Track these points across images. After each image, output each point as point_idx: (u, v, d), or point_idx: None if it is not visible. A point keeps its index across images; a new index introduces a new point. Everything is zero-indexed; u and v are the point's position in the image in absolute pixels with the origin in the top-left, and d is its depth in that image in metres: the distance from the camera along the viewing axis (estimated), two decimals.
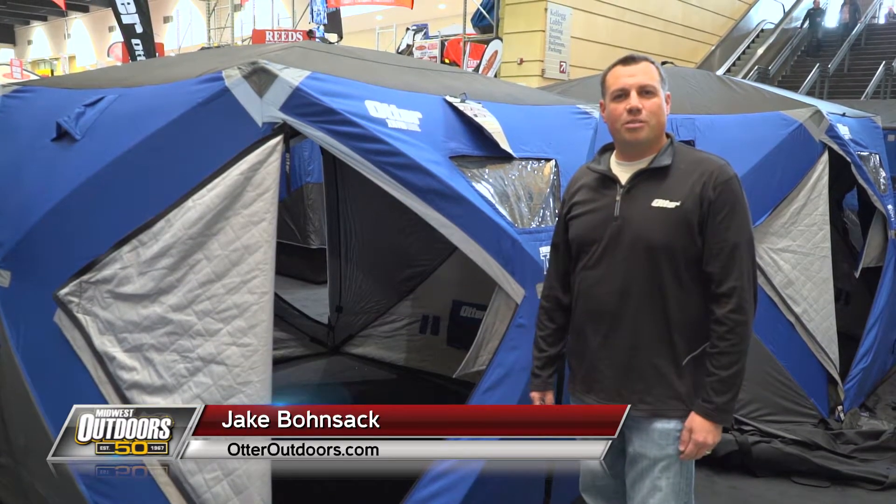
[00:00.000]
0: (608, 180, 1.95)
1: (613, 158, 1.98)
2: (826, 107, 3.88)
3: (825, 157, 3.62)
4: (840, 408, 3.64)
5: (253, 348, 1.99)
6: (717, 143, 3.66)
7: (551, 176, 2.68)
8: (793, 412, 3.57)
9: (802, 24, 15.38)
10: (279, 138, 2.01)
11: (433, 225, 2.21)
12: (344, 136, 2.05)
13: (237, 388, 1.98)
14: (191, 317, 2.04)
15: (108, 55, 19.12)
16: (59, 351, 2.23)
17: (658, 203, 1.85)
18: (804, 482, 3.24)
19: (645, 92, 1.85)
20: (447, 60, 11.94)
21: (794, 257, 3.58)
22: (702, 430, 1.83)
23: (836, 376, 3.65)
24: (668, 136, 1.93)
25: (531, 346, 2.34)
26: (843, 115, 4.03)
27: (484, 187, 2.38)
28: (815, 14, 15.11)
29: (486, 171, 2.44)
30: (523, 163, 2.60)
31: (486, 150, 2.46)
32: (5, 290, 2.47)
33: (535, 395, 2.13)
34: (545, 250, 2.45)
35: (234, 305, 2.00)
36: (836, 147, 3.65)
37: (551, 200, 2.64)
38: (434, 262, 4.60)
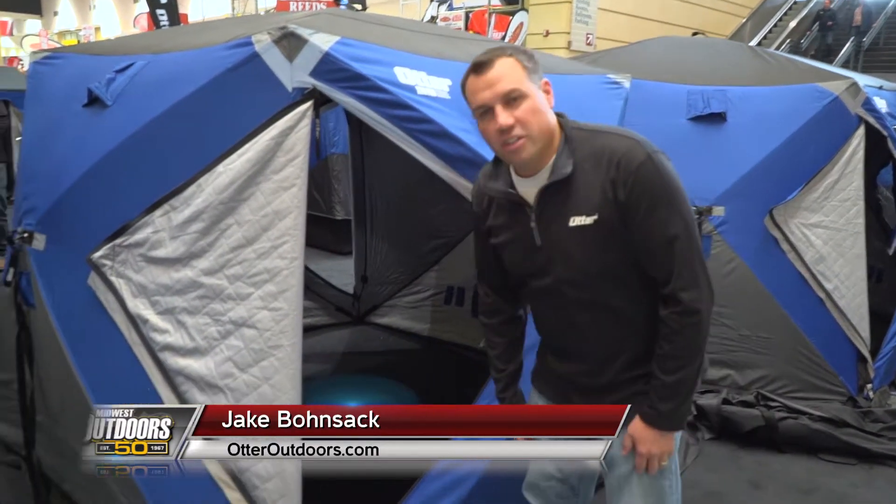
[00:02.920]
0: (516, 203, 1.65)
1: (513, 173, 1.66)
2: (862, 79, 3.78)
3: (861, 130, 3.54)
4: (869, 386, 3.59)
5: (283, 312, 2.00)
6: (750, 116, 3.61)
7: None
8: (821, 389, 3.54)
9: (812, 25, 14.58)
10: (309, 104, 2.00)
11: (462, 193, 2.19)
12: (373, 103, 2.04)
13: (268, 352, 2.00)
14: (222, 281, 2.06)
15: (133, 26, 19.17)
16: (94, 313, 2.27)
17: (575, 221, 1.57)
18: (831, 459, 3.22)
19: (510, 100, 1.51)
20: (472, 32, 11.81)
21: (827, 233, 3.53)
22: (645, 440, 1.63)
23: (867, 354, 3.60)
24: (560, 124, 1.59)
25: None
26: (881, 87, 3.93)
27: None
28: (825, 16, 14.15)
29: None
30: None
31: None
32: (40, 254, 2.51)
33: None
34: None
35: (264, 270, 2.01)
36: (872, 121, 3.55)
37: None
38: (459, 234, 4.59)
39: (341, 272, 5.73)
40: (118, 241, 2.22)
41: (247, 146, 2.01)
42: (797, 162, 3.51)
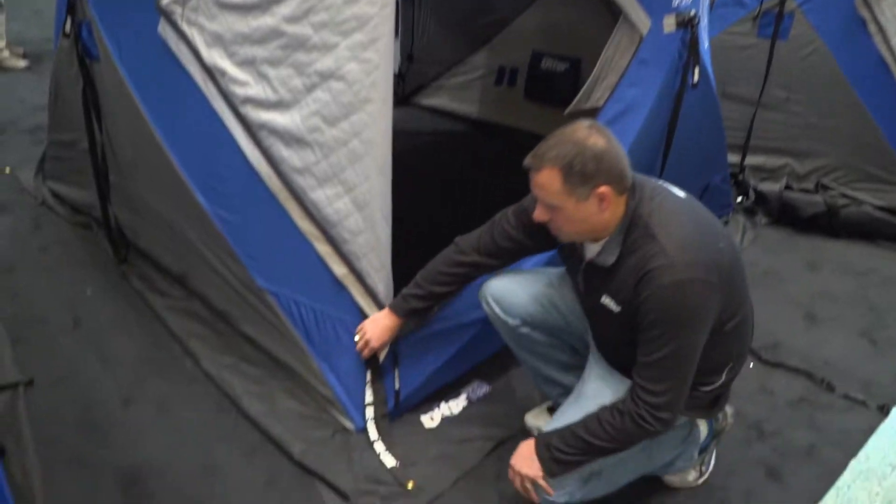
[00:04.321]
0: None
1: None
2: None
3: None
4: None
5: (374, 64, 1.89)
6: None
7: None
8: (883, 181, 3.47)
9: None
10: None
11: None
12: None
13: (357, 106, 1.92)
14: (306, 29, 1.92)
15: None
16: (166, 64, 2.16)
17: (605, 301, 1.62)
18: (889, 245, 3.24)
19: (548, 205, 1.57)
20: None
21: None
22: (519, 455, 1.66)
23: None
24: (627, 210, 1.56)
25: (652, 83, 2.23)
26: None
27: None
28: None
29: None
30: None
31: None
32: (101, 1, 2.36)
33: (380, 316, 1.97)
34: None
35: (353, 17, 1.87)
36: None
37: None
38: (514, 11, 4.31)
39: None
40: None
41: None
42: None
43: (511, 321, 1.93)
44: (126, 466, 1.93)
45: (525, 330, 1.93)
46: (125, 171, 2.61)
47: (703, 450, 1.90)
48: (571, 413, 1.65)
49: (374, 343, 1.96)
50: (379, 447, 1.99)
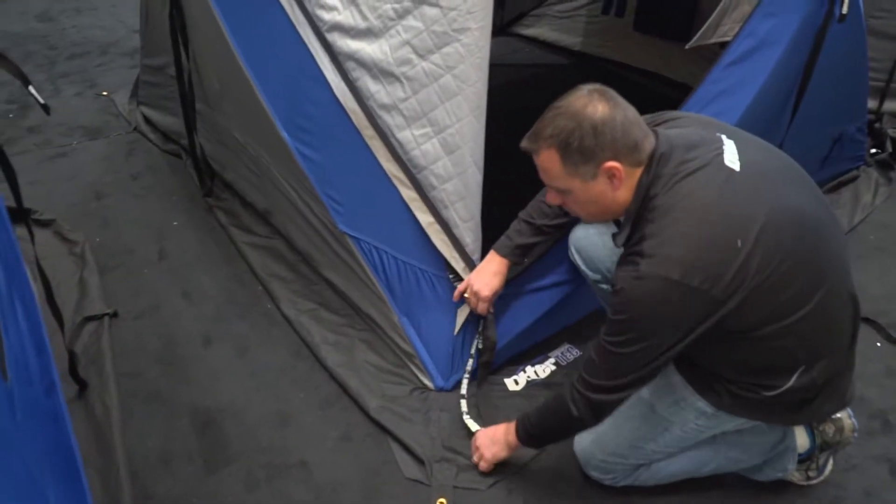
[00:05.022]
0: None
1: None
2: None
3: None
4: None
5: None
6: None
7: None
8: None
9: None
10: None
11: None
12: None
13: (452, 36, 1.72)
14: None
15: None
16: None
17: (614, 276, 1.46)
18: None
19: (557, 189, 1.43)
20: None
21: None
22: (486, 435, 1.72)
23: None
24: (638, 190, 1.35)
25: (794, 14, 1.93)
26: None
27: None
28: None
29: None
30: None
31: None
32: None
33: (484, 263, 1.83)
34: None
35: None
36: None
37: None
38: None
39: None
40: None
41: None
42: None
43: (592, 275, 1.85)
44: (203, 408, 1.90)
45: (605, 286, 1.82)
46: (212, 101, 2.52)
47: (805, 459, 1.69)
48: None
49: (485, 292, 1.80)
50: (462, 407, 1.87)
